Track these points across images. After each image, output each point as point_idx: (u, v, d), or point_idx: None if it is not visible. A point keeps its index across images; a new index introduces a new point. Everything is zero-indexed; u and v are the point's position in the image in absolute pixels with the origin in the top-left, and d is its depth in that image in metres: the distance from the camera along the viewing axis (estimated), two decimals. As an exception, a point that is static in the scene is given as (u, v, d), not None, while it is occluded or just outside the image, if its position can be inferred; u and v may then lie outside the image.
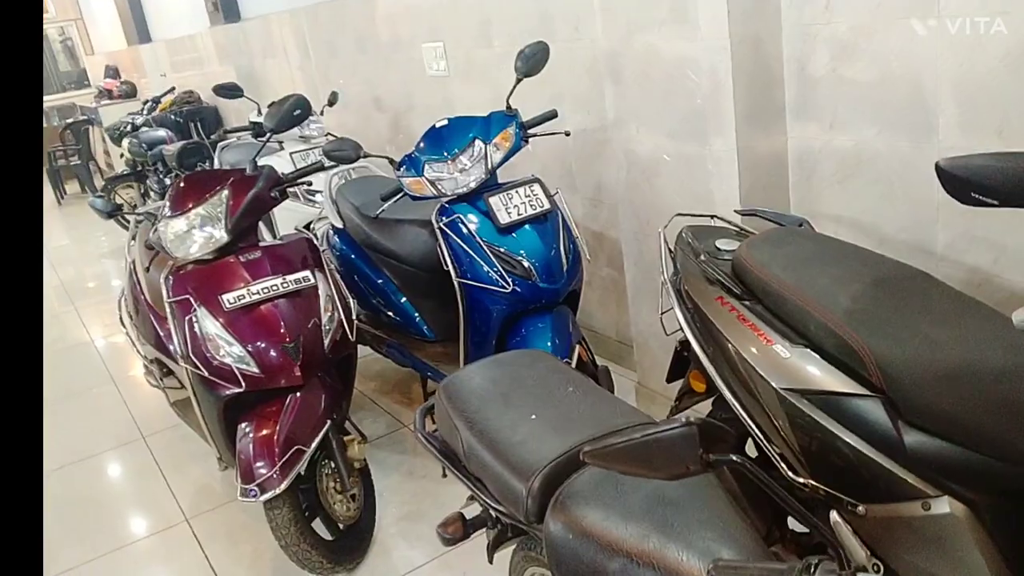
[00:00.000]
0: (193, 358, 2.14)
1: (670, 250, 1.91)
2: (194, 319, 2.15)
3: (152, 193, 5.86)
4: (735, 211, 2.02)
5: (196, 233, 2.22)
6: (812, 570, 0.76)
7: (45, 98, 12.11)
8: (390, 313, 3.05)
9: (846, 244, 1.72)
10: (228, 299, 2.15)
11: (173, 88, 7.18)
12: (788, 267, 1.62)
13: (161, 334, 2.73)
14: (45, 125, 11.44)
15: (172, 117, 6.65)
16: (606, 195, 3.12)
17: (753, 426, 1.61)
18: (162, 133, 6.00)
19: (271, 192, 2.31)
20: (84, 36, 12.34)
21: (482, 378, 1.44)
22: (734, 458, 0.81)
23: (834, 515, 1.45)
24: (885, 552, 1.43)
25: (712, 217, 2.00)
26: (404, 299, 3.04)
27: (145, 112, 6.65)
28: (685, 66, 2.29)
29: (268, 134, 2.43)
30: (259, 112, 4.04)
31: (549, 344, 2.43)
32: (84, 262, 6.63)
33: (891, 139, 2.04)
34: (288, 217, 3.69)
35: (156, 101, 6.89)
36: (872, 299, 1.47)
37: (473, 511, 1.47)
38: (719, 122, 2.25)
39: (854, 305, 1.46)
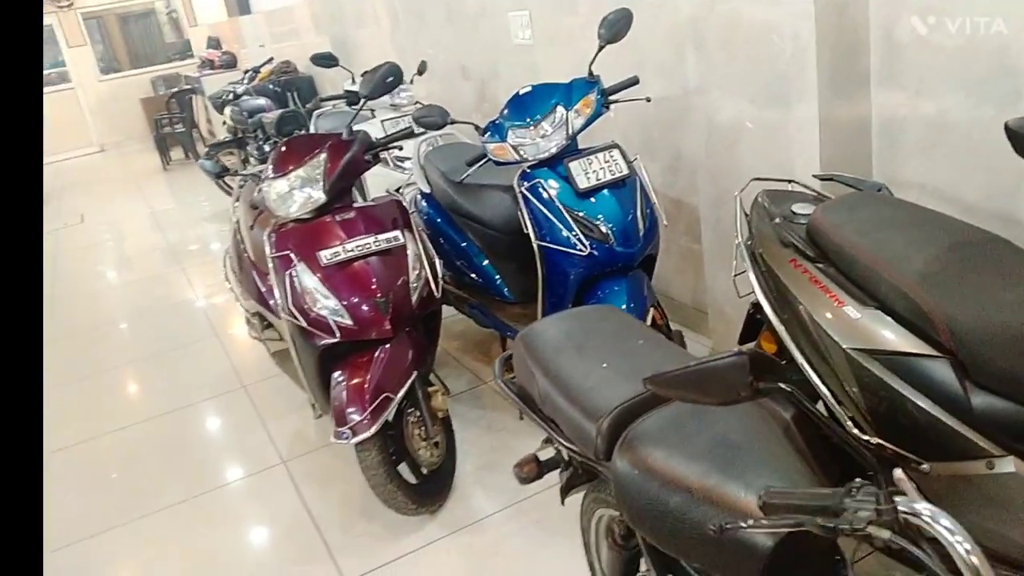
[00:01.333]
0: (293, 310, 2.32)
1: (745, 214, 1.95)
2: (294, 273, 2.32)
3: (252, 159, 6.16)
4: (813, 176, 2.03)
5: (296, 193, 2.39)
6: (855, 492, 0.83)
7: (153, 68, 12.78)
8: (472, 275, 3.18)
9: (923, 208, 1.73)
10: (325, 255, 2.31)
11: (271, 58, 7.48)
12: (863, 230, 1.65)
13: (262, 289, 2.94)
14: (152, 94, 12.11)
15: (270, 86, 6.94)
16: (684, 163, 3.14)
17: (823, 387, 1.65)
18: (261, 101, 6.29)
19: (365, 156, 2.45)
20: (188, 8, 12.89)
21: (557, 330, 1.53)
22: (782, 386, 0.89)
23: (898, 472, 1.49)
24: (947, 510, 1.47)
25: (790, 182, 2.02)
26: (486, 261, 3.15)
27: (246, 81, 6.96)
28: (768, 31, 2.29)
29: (362, 101, 2.57)
30: (353, 81, 4.20)
31: (624, 307, 2.50)
32: (188, 225, 7.05)
33: (977, 107, 2.00)
34: (378, 182, 3.85)
35: (256, 71, 7.20)
36: (945, 262, 1.49)
37: (547, 454, 1.58)
38: (802, 88, 2.25)
39: (927, 268, 1.48)
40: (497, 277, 3.13)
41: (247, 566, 2.49)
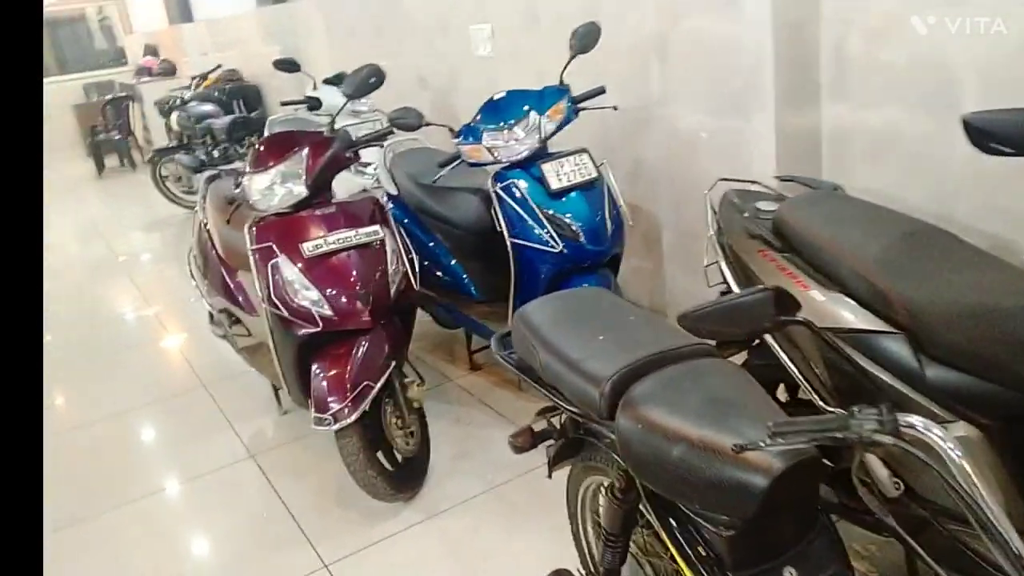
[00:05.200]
0: (275, 299, 2.36)
1: (714, 210, 2.10)
2: (275, 265, 2.37)
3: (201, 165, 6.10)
4: (774, 177, 2.21)
5: (277, 188, 2.44)
6: (856, 413, 0.96)
7: (84, 75, 12.43)
8: (440, 274, 3.26)
9: (876, 205, 1.91)
10: (307, 247, 2.37)
11: (219, 65, 7.43)
12: (824, 223, 1.82)
13: (231, 286, 2.96)
14: (85, 101, 11.77)
15: (216, 94, 6.90)
16: (643, 169, 3.31)
17: (792, 366, 1.81)
18: (209, 108, 6.26)
19: (346, 152, 2.52)
20: (124, 16, 12.62)
21: (554, 308, 1.64)
22: (800, 317, 1.02)
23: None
24: (905, 474, 1.63)
25: (752, 183, 2.19)
26: (454, 261, 3.25)
27: (192, 88, 6.89)
28: (729, 47, 2.48)
29: (344, 101, 2.65)
30: (315, 87, 4.25)
31: (594, 301, 2.63)
32: (127, 232, 6.89)
33: (918, 119, 2.22)
34: (340, 188, 3.90)
35: (203, 77, 7.14)
36: (900, 250, 1.66)
37: (540, 425, 1.68)
38: (760, 99, 2.44)
39: (883, 255, 1.65)
40: (465, 276, 3.23)
41: (224, 555, 2.50)
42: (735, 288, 1.91)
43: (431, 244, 3.29)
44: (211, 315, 3.24)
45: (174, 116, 6.37)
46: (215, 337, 3.29)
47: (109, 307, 5.02)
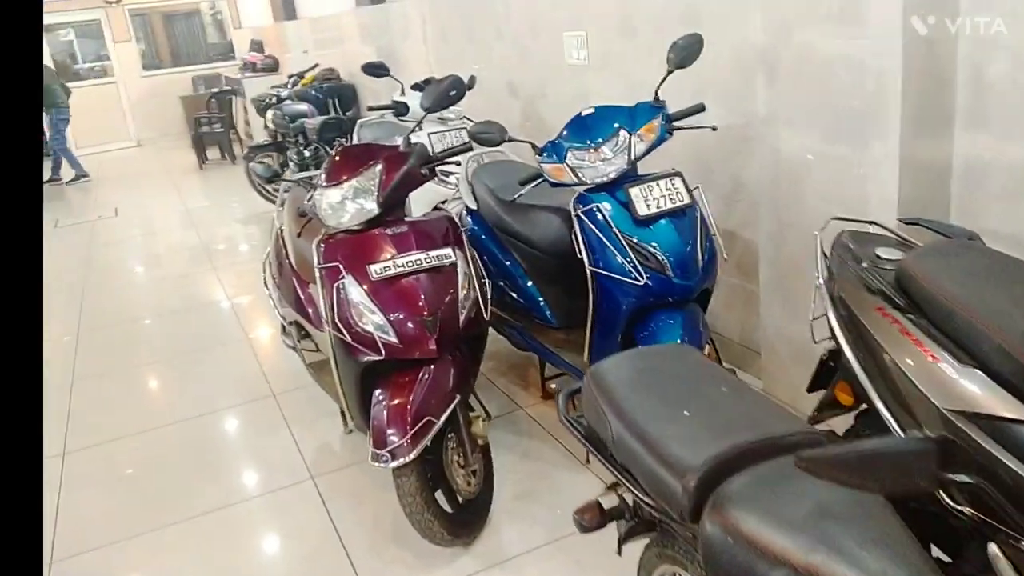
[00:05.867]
0: (338, 323, 2.24)
1: (825, 254, 1.84)
2: (341, 286, 2.25)
3: (291, 163, 6.14)
4: (898, 219, 1.93)
5: (349, 204, 2.32)
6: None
7: (194, 67, 12.91)
8: (515, 295, 3.09)
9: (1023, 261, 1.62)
10: (375, 269, 2.23)
11: (316, 64, 7.49)
12: (960, 281, 1.54)
13: (303, 298, 2.87)
14: (192, 93, 12.21)
15: (312, 92, 6.94)
16: (743, 194, 3.05)
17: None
18: (304, 107, 6.28)
19: (422, 169, 2.38)
20: (233, 10, 13.02)
21: (631, 368, 1.44)
22: (970, 480, 0.78)
23: (992, 547, 1.37)
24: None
25: (870, 223, 1.92)
26: (530, 283, 3.07)
27: (290, 86, 6.96)
28: (846, 65, 2.20)
29: (424, 113, 2.51)
30: (402, 92, 4.16)
31: (679, 341, 2.40)
32: (221, 224, 7.03)
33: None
34: (421, 196, 3.78)
35: (300, 76, 7.20)
36: (1056, 323, 1.38)
37: (610, 501, 1.48)
38: (881, 125, 2.15)
39: (1035, 328, 1.37)
40: (541, 300, 3.05)
41: (270, 586, 2.41)
42: (847, 351, 1.65)
43: (507, 263, 3.13)
44: (283, 326, 3.17)
45: (269, 114, 6.44)
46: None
47: (192, 300, 5.08)
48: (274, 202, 6.76)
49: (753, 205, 2.98)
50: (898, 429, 1.56)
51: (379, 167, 2.32)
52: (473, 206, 3.24)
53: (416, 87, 4.22)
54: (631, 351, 1.55)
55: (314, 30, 8.71)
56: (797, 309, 2.60)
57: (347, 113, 7.02)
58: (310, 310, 2.87)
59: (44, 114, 8.98)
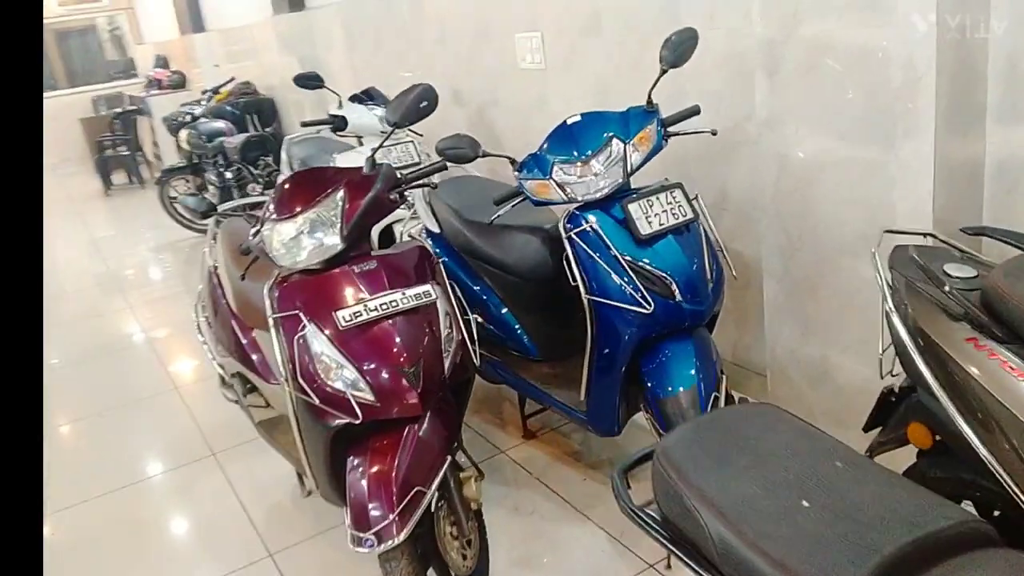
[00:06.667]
0: (300, 381, 1.87)
1: (887, 277, 1.59)
2: (302, 338, 1.88)
3: (210, 186, 5.64)
4: (962, 229, 1.70)
5: (305, 239, 1.94)
6: None
7: (93, 87, 12.05)
8: (489, 326, 2.77)
9: None
10: (343, 316, 1.87)
11: (232, 78, 6.97)
12: (1071, 305, 1.30)
13: (245, 345, 2.48)
14: (93, 115, 11.37)
15: (229, 109, 6.44)
16: (731, 203, 2.80)
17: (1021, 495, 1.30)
18: (221, 124, 5.80)
19: (390, 194, 2.03)
20: (134, 25, 12.23)
21: (712, 443, 1.13)
22: None
23: None
24: None
25: (925, 235, 1.68)
26: (505, 311, 2.76)
27: (204, 103, 6.43)
28: (869, 58, 1.97)
29: (391, 128, 2.16)
30: (340, 104, 3.77)
31: (693, 373, 2.13)
32: (134, 255, 6.43)
33: None
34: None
35: (215, 91, 6.67)
36: None
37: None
38: (912, 123, 1.93)
39: None
40: (519, 329, 2.74)
41: None
42: (935, 387, 1.39)
43: (478, 290, 2.80)
44: (222, 377, 2.75)
45: (183, 133, 5.90)
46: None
47: (108, 343, 4.53)
48: (191, 228, 6.30)
49: (742, 216, 2.74)
50: (1012, 485, 1.31)
51: (340, 194, 1.96)
52: (435, 229, 2.90)
53: (355, 99, 3.84)
54: (704, 418, 1.26)
55: (226, 42, 8.16)
56: (812, 329, 2.37)
57: (267, 129, 6.54)
58: (254, 357, 2.48)
59: None
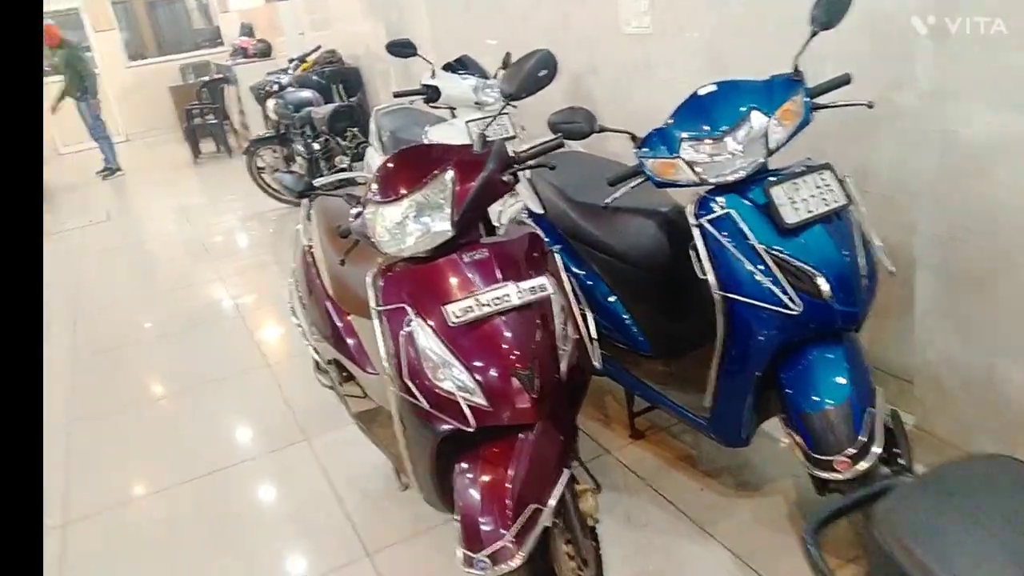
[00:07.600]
0: (407, 381, 1.70)
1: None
2: (409, 334, 1.71)
3: (298, 157, 5.57)
4: None
5: (411, 225, 1.76)
6: None
7: (181, 56, 12.24)
8: (596, 316, 2.55)
9: None
10: (453, 311, 1.69)
11: (319, 47, 6.86)
12: None
13: (341, 330, 2.35)
14: (181, 83, 11.55)
15: (314, 78, 6.36)
16: (872, 185, 2.49)
17: None
18: (308, 94, 5.71)
19: (503, 175, 1.83)
20: (219, -7, 12.32)
21: (948, 507, 0.90)
22: None
23: None
24: None
25: None
26: (613, 299, 2.54)
27: (290, 71, 6.34)
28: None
29: (504, 102, 1.95)
30: (433, 74, 3.59)
31: (845, 383, 1.88)
32: (223, 225, 6.46)
33: None
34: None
35: (301, 60, 6.59)
36: None
37: None
38: None
39: None
40: (628, 321, 2.52)
41: None
42: None
43: (583, 273, 2.59)
44: (316, 362, 2.63)
45: (271, 103, 5.83)
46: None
47: (199, 318, 4.52)
48: (279, 199, 6.26)
49: (885, 201, 2.43)
50: None
51: (449, 175, 1.76)
52: (539, 210, 2.69)
53: (448, 67, 3.65)
54: (927, 476, 1.03)
55: (310, 9, 8.07)
56: (975, 332, 2.08)
57: (352, 99, 6.42)
58: (350, 342, 2.35)
59: (85, 103, 8.64)
